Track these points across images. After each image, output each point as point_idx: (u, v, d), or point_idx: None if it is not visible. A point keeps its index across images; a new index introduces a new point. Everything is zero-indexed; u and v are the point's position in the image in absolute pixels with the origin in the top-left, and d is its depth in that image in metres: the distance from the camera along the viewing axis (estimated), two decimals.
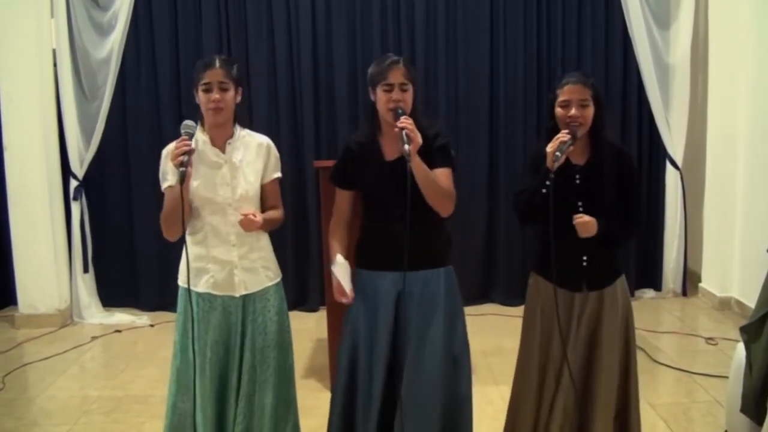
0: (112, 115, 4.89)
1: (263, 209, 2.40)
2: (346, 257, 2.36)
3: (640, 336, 3.99)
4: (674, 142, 4.99)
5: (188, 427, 2.33)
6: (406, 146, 2.13)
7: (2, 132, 4.67)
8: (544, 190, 2.23)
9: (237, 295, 2.34)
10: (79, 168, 4.86)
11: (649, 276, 5.23)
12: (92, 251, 4.97)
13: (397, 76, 2.23)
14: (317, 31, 4.96)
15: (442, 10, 4.96)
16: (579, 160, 2.33)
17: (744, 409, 2.56)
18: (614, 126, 4.87)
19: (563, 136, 2.21)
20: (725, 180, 4.74)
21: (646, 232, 5.15)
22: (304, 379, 3.76)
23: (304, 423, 2.59)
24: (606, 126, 2.36)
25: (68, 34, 4.73)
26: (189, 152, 2.15)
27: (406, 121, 2.16)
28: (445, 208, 2.28)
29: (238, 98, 2.33)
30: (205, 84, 2.26)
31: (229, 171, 2.31)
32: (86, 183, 4.94)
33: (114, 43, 4.78)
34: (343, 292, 2.30)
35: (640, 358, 3.12)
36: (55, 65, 4.76)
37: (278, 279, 2.46)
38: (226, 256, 2.32)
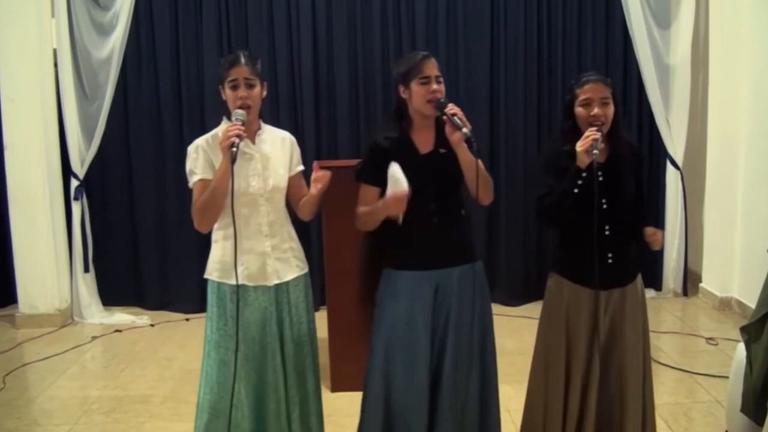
0: (113, 114, 4.90)
1: (295, 202, 2.44)
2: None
3: None
4: (674, 141, 4.99)
5: (222, 428, 2.29)
6: (465, 129, 2.17)
7: (3, 132, 4.68)
8: (576, 190, 2.23)
9: (270, 284, 2.34)
10: (79, 168, 4.86)
11: (650, 276, 5.21)
12: (93, 251, 4.97)
13: (431, 68, 2.26)
14: (318, 31, 4.96)
15: (443, 10, 4.96)
16: (600, 158, 2.30)
17: (744, 409, 2.56)
18: None
19: (594, 133, 2.21)
20: (726, 180, 4.74)
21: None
22: None
23: None
24: (622, 123, 2.37)
25: (69, 34, 4.73)
26: (240, 136, 2.17)
27: (455, 108, 2.21)
28: (489, 195, 2.34)
29: (264, 93, 2.37)
30: (232, 81, 2.28)
31: (261, 163, 2.34)
32: (87, 183, 4.94)
33: (115, 43, 4.79)
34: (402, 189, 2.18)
35: None
36: (55, 65, 4.76)
37: (306, 269, 2.48)
38: (259, 247, 2.33)
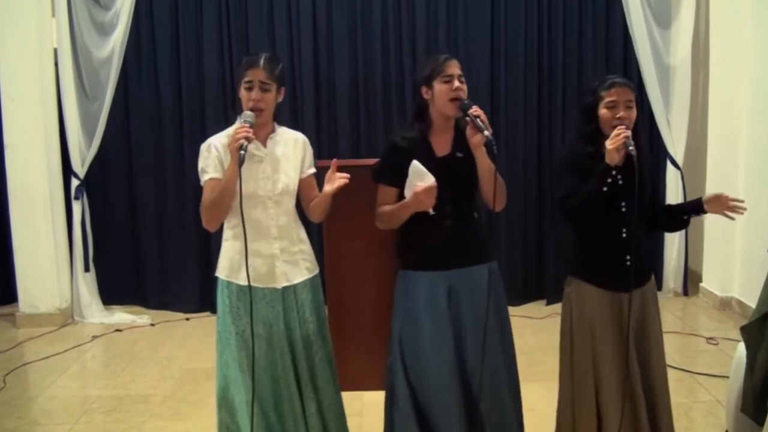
0: (114, 114, 4.90)
1: (305, 203, 2.44)
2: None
3: None
4: (675, 141, 4.99)
5: (244, 422, 2.30)
6: (487, 132, 2.17)
7: (3, 131, 4.68)
8: (605, 188, 2.24)
9: (279, 286, 2.35)
10: (80, 167, 4.87)
11: None
12: (93, 250, 4.98)
13: (454, 68, 2.26)
14: (318, 31, 4.96)
15: (443, 10, 4.96)
16: (619, 160, 2.30)
17: (744, 409, 2.56)
18: None
19: (624, 131, 2.21)
20: (726, 179, 4.73)
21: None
22: None
23: None
24: (642, 128, 2.39)
25: (69, 34, 4.74)
26: (249, 138, 2.16)
27: (478, 110, 2.21)
28: (502, 201, 2.33)
29: (280, 98, 2.35)
30: (247, 82, 2.27)
31: (270, 165, 2.33)
32: (87, 182, 4.94)
33: (115, 42, 4.79)
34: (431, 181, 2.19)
35: None
36: (56, 64, 4.76)
37: (317, 271, 2.48)
38: (268, 249, 2.33)
